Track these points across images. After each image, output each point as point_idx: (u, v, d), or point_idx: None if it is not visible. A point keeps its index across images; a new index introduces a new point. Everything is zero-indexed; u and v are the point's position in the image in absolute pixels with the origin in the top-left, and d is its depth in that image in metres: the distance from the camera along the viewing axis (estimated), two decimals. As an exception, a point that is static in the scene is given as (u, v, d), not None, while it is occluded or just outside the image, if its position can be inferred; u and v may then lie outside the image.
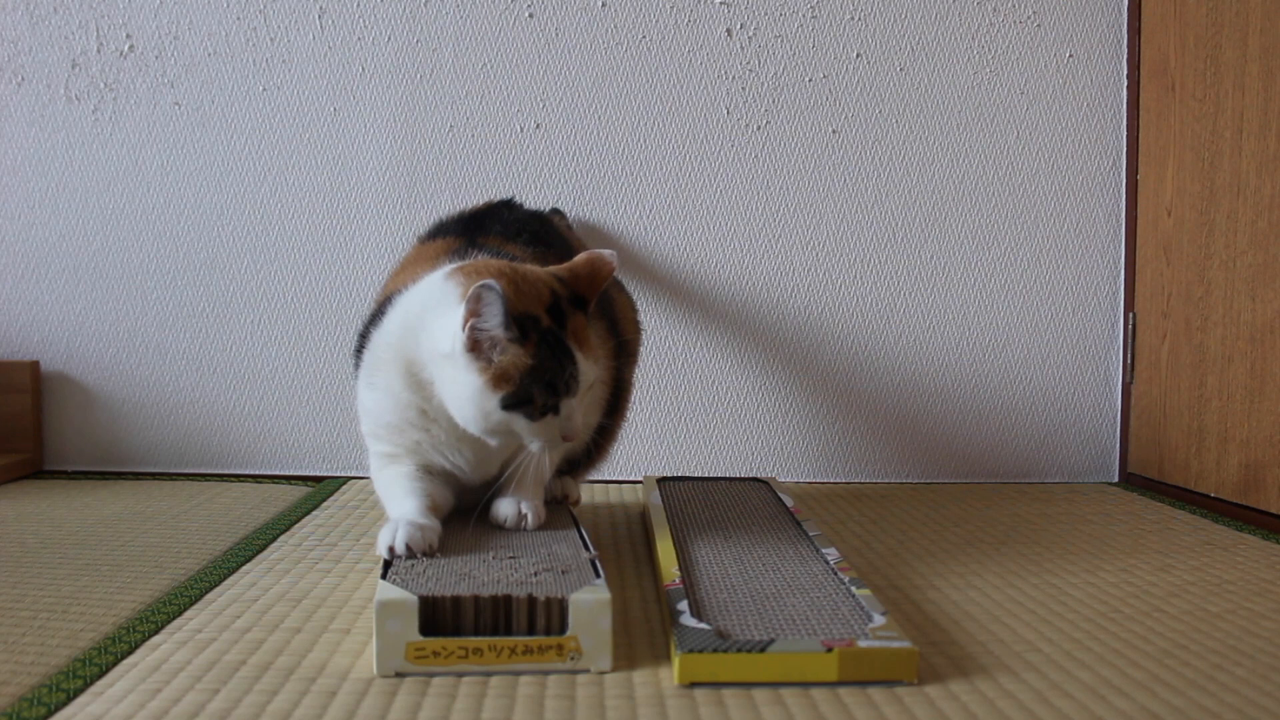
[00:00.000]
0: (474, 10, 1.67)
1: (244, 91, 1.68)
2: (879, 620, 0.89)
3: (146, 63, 1.67)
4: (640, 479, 1.68)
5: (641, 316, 1.45)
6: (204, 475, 1.70)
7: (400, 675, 0.84)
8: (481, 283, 0.95)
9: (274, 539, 1.28)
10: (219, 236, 1.69)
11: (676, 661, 0.83)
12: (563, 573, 0.93)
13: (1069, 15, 1.70)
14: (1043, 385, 1.74)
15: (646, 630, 0.96)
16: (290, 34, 1.67)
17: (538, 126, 1.68)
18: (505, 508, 1.11)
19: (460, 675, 0.84)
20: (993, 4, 1.70)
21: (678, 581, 0.98)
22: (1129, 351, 1.73)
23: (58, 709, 0.77)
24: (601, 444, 1.29)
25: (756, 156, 1.70)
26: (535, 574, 0.93)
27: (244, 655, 0.88)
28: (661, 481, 1.48)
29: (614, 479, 1.70)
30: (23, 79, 1.67)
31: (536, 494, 1.14)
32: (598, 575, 0.92)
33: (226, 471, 1.71)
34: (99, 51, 1.67)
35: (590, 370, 1.03)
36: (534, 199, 1.66)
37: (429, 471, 1.10)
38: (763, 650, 0.83)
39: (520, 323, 0.97)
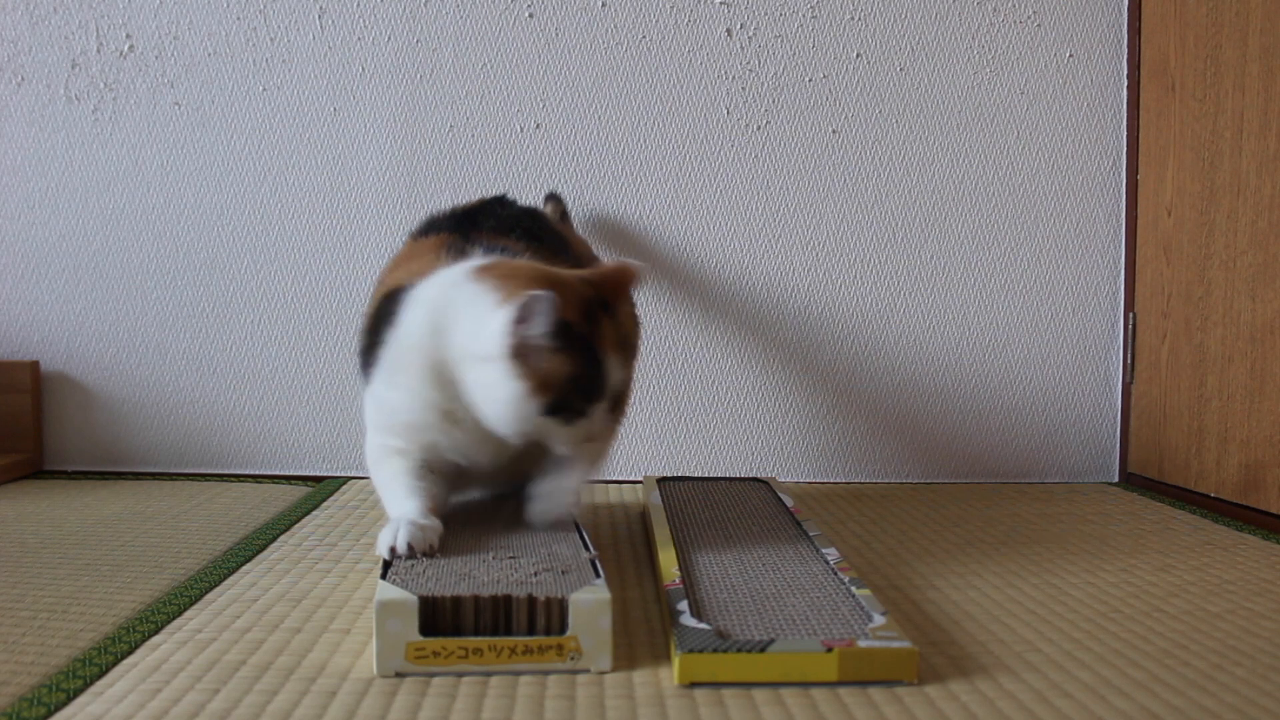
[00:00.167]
0: (474, 10, 1.67)
1: (244, 91, 1.67)
2: (879, 620, 0.89)
3: (146, 63, 1.67)
4: (640, 479, 1.68)
5: (641, 315, 1.45)
6: (204, 475, 1.70)
7: (400, 675, 0.84)
8: (533, 294, 0.95)
9: (274, 539, 1.28)
10: (219, 236, 1.69)
11: (676, 661, 0.83)
12: (563, 573, 0.93)
13: (1069, 15, 1.70)
14: (1043, 385, 1.74)
15: (646, 630, 0.96)
16: (290, 34, 1.67)
17: (538, 126, 1.68)
18: (557, 493, 1.11)
19: (460, 675, 0.84)
20: (993, 4, 1.70)
21: (678, 581, 0.98)
22: (1129, 351, 1.73)
23: (58, 709, 0.77)
24: None
25: (756, 156, 1.70)
26: (535, 574, 0.93)
27: (244, 655, 0.88)
28: (661, 481, 1.48)
29: (614, 479, 1.70)
30: (23, 79, 1.67)
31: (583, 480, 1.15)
32: (598, 575, 0.92)
33: (226, 471, 1.71)
34: (99, 51, 1.67)
35: (618, 374, 1.04)
36: (534, 199, 1.66)
37: (431, 469, 1.10)
38: (763, 650, 0.83)
39: (565, 332, 0.98)
